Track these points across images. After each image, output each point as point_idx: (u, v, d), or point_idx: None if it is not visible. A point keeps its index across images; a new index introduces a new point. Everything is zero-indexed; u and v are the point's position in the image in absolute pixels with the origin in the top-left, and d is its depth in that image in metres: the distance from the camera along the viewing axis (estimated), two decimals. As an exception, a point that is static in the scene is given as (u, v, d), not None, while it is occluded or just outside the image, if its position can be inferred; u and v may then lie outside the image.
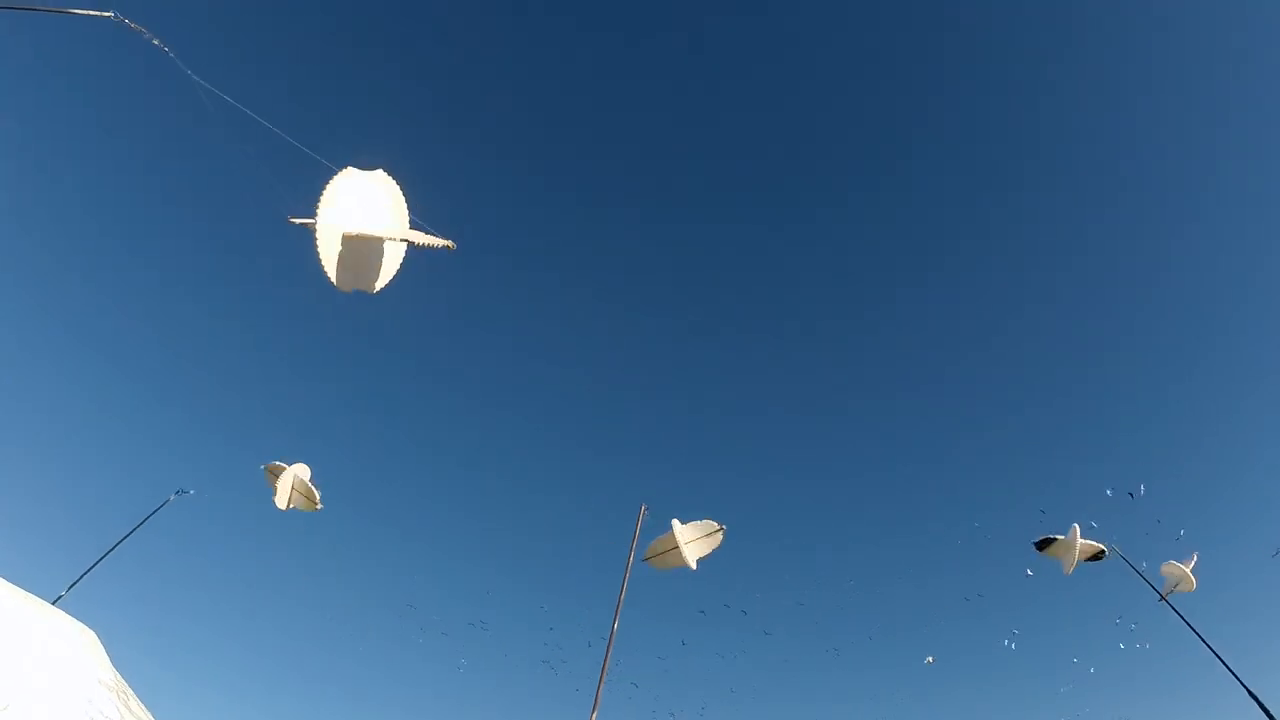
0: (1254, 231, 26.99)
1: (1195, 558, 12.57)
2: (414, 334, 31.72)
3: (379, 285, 5.92)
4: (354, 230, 5.50)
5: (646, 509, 9.28)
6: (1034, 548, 12.21)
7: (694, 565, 9.12)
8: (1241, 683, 8.29)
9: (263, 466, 11.02)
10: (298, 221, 5.44)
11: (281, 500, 10.66)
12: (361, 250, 5.63)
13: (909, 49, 29.22)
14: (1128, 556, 11.43)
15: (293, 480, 10.75)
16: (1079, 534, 11.86)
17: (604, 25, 29.41)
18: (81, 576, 8.88)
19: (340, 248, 5.43)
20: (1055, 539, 11.99)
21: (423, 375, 32.36)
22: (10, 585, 4.38)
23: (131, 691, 4.21)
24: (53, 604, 5.36)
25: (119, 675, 4.33)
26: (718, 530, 9.23)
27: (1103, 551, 11.73)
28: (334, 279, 5.48)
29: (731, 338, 34.24)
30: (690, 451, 33.33)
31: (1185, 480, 29.01)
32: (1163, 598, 11.86)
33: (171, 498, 10.19)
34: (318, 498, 10.94)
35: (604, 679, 7.74)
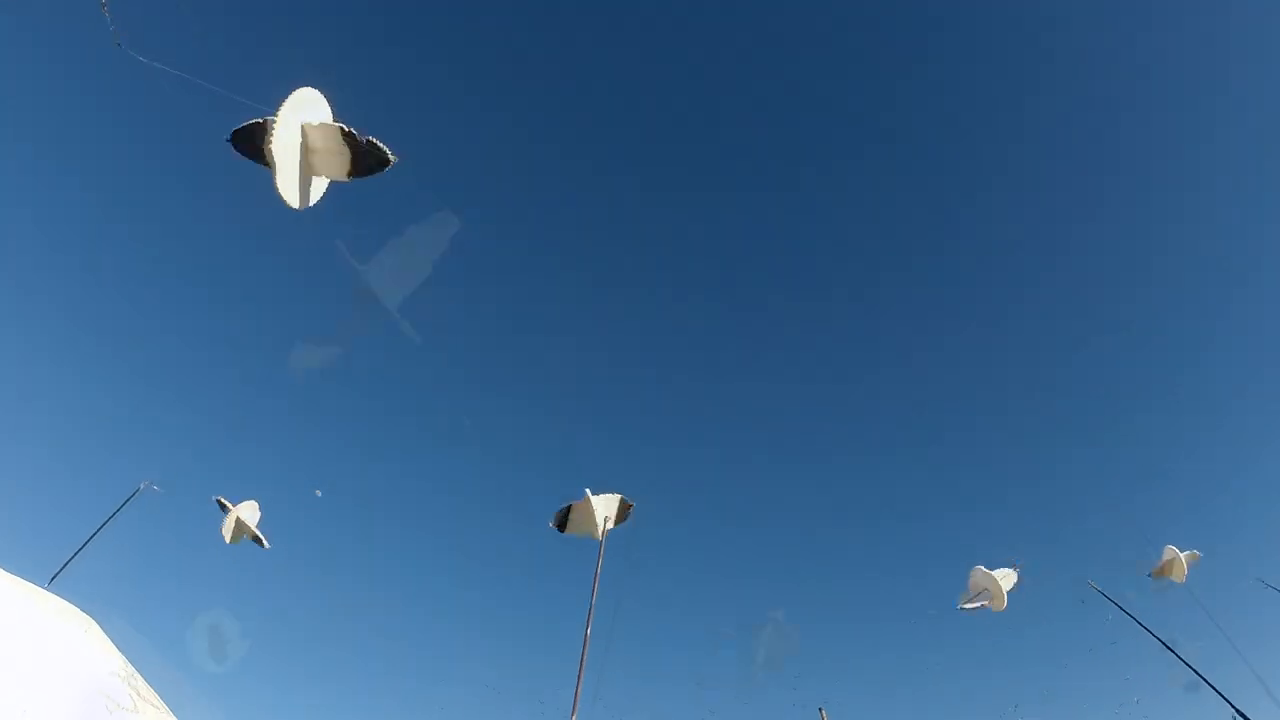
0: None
1: (1198, 555, 12.43)
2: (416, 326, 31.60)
3: (315, 198, 6.00)
4: (315, 121, 5.59)
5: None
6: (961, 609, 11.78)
7: (600, 536, 9.30)
8: (1196, 670, 8.38)
9: (215, 499, 11.56)
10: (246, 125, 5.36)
11: (227, 536, 11.30)
12: (314, 155, 5.73)
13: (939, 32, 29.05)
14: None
15: (236, 521, 11.34)
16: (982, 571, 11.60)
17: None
18: (65, 564, 9.03)
19: (297, 152, 5.55)
20: (973, 597, 11.66)
21: (407, 358, 32.30)
22: (3, 571, 4.50)
23: (139, 675, 4.41)
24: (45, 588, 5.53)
25: (126, 660, 4.53)
26: (628, 505, 9.50)
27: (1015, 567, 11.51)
28: (285, 189, 5.55)
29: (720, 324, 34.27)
30: (679, 441, 33.36)
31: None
32: (1152, 575, 11.80)
33: (141, 487, 10.43)
34: (265, 541, 11.57)
35: (582, 678, 7.97)
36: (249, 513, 11.53)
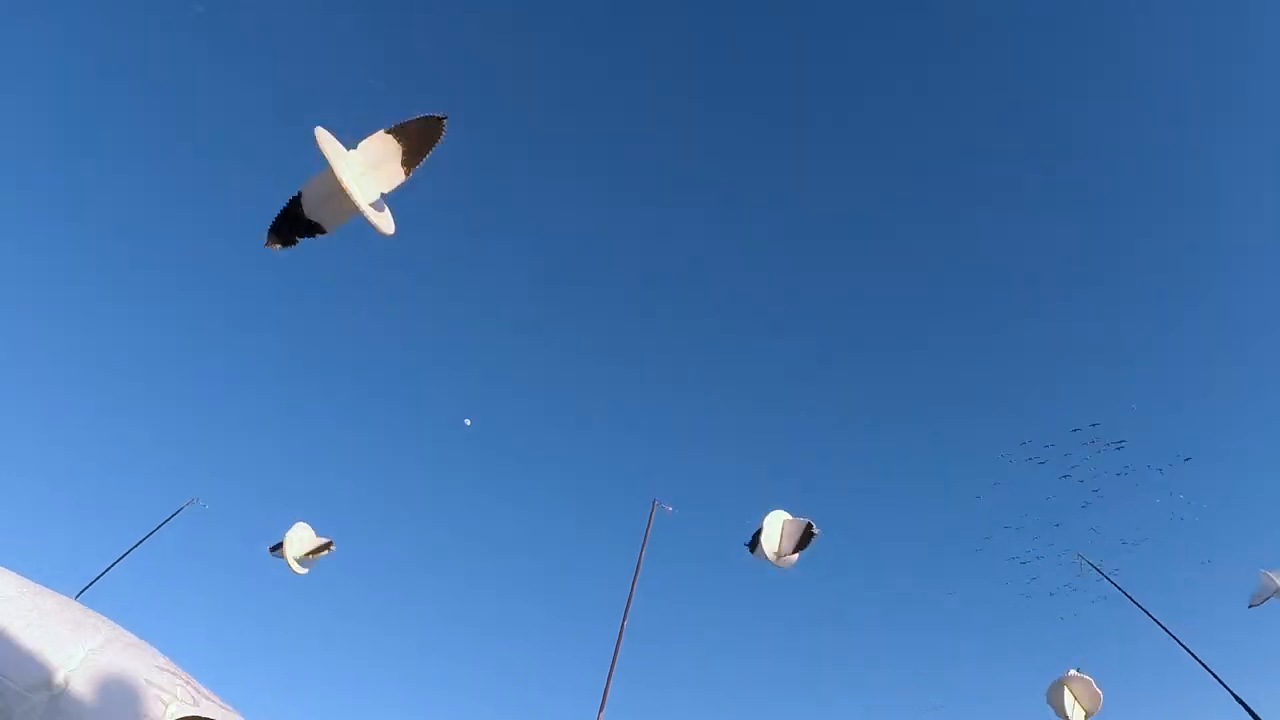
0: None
1: None
2: (411, 329, 31.52)
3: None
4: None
5: (659, 503, 9.37)
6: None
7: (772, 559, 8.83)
8: (1218, 679, 8.27)
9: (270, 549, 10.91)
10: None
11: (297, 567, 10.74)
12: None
13: None
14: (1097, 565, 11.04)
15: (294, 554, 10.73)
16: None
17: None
18: (94, 581, 8.77)
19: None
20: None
21: (421, 365, 32.13)
22: (38, 585, 4.39)
23: (197, 681, 4.26)
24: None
25: (171, 661, 4.39)
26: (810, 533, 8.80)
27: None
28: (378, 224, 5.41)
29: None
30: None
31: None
32: (1252, 604, 10.92)
33: (186, 505, 10.13)
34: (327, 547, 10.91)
35: (612, 675, 7.89)
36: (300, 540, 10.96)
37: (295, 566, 10.62)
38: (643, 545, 8.67)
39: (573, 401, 33.84)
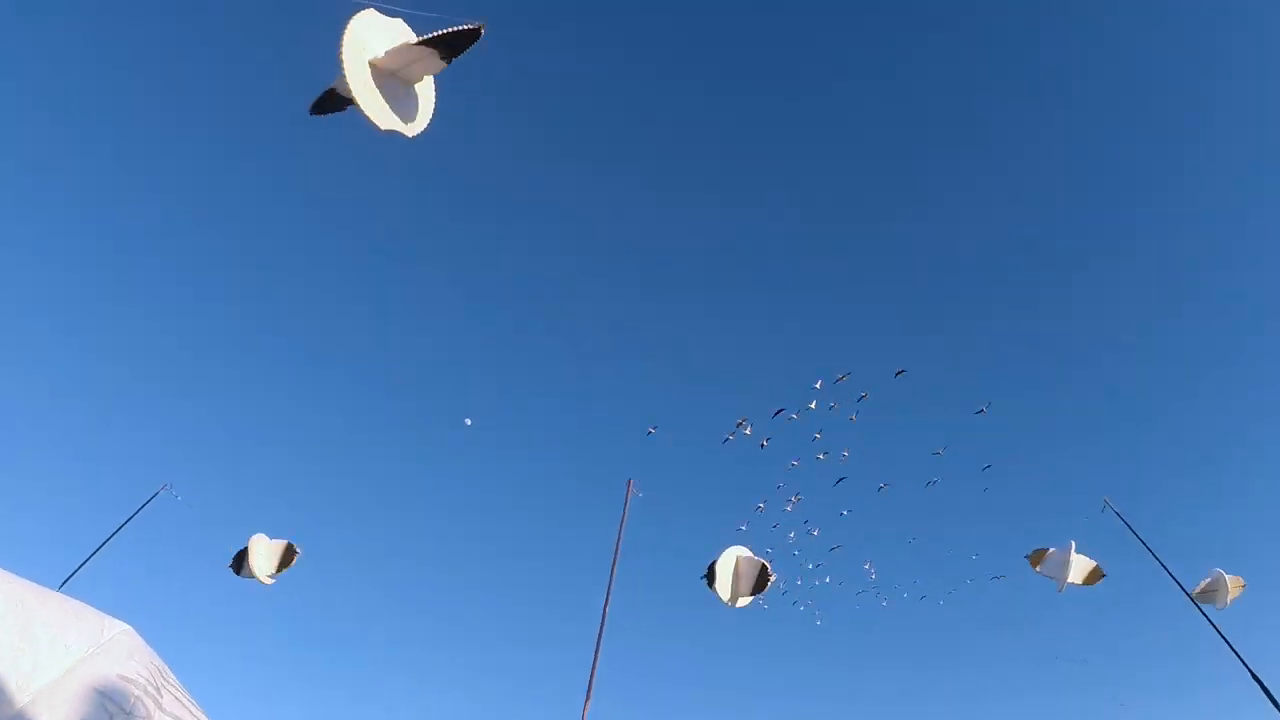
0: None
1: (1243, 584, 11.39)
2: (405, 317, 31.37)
3: (417, 128, 5.92)
4: (380, 54, 5.47)
5: (634, 484, 9.38)
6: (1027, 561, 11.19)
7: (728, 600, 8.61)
8: (1248, 668, 8.32)
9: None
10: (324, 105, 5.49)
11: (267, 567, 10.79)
12: (393, 82, 5.64)
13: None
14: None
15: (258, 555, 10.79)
16: (1074, 550, 10.97)
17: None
18: (80, 566, 8.81)
19: (371, 80, 5.47)
20: (1045, 551, 11.08)
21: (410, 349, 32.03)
22: (17, 577, 4.38)
23: (174, 680, 4.30)
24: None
25: (162, 664, 4.42)
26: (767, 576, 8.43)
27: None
28: (373, 117, 5.48)
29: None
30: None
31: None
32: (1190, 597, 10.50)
33: (160, 491, 10.14)
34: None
35: (596, 665, 7.94)
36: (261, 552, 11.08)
37: (265, 580, 10.72)
38: (621, 525, 8.62)
39: (554, 397, 33.84)
